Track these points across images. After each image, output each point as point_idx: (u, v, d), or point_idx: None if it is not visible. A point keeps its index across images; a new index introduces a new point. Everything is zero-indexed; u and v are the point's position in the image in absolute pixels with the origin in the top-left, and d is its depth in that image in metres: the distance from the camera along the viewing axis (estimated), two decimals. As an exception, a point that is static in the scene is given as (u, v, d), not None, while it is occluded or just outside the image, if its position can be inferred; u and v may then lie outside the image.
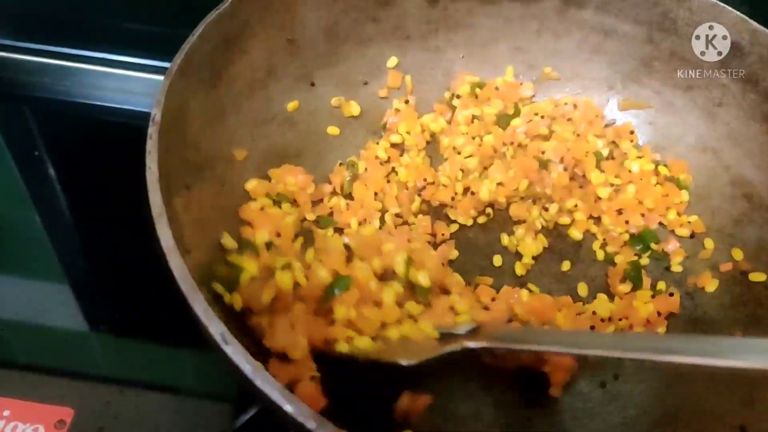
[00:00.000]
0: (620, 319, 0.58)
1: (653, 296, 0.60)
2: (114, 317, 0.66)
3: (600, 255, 0.65)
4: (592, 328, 0.57)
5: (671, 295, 0.60)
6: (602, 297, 0.61)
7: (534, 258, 0.64)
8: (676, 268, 0.63)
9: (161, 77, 0.50)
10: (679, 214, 0.66)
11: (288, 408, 0.32)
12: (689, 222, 0.65)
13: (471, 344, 0.49)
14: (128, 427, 0.56)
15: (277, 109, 0.65)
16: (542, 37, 0.70)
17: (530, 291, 0.60)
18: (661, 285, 0.61)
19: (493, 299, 0.59)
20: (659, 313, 0.59)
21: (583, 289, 0.62)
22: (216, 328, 0.35)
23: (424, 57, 0.71)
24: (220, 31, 0.56)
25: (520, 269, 0.63)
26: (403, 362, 0.48)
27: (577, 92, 0.71)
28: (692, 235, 0.65)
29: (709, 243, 0.64)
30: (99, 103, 0.84)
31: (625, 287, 0.61)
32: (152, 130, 0.45)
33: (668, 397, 0.55)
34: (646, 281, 0.62)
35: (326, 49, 0.67)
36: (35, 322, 0.63)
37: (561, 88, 0.72)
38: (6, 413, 0.56)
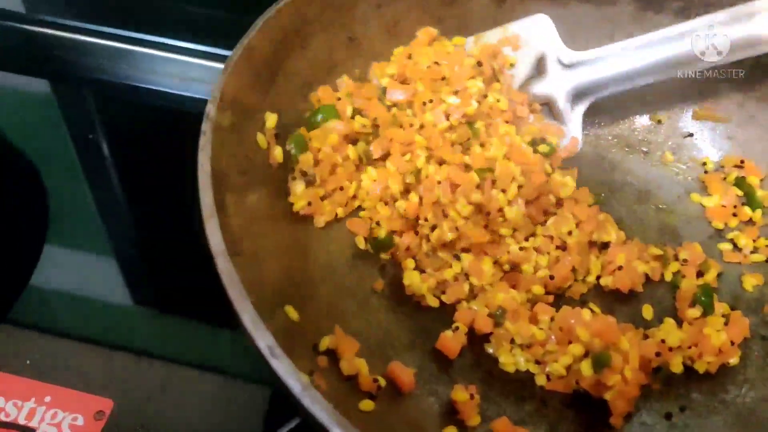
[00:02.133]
0: (689, 347, 0.54)
1: (726, 324, 0.56)
2: (160, 295, 0.67)
3: (668, 275, 0.61)
4: (658, 354, 0.53)
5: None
6: (670, 322, 0.57)
7: (597, 276, 0.60)
8: (752, 293, 0.60)
9: (222, 65, 0.49)
10: (753, 240, 0.62)
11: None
12: (767, 246, 0.62)
13: None
14: (168, 425, 0.55)
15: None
16: (616, 40, 0.66)
17: (592, 311, 0.56)
18: (736, 313, 0.57)
19: (552, 318, 0.55)
20: (733, 343, 0.55)
21: (648, 312, 0.58)
22: (264, 340, 0.33)
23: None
24: (279, 27, 0.55)
25: (581, 287, 0.60)
26: None
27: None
28: (769, 260, 0.61)
29: (788, 267, 0.59)
30: (158, 88, 0.84)
31: (695, 312, 0.57)
32: (206, 127, 0.43)
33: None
34: (719, 307, 0.57)
35: (388, 48, 0.65)
36: (82, 293, 0.64)
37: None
38: (47, 399, 0.55)
